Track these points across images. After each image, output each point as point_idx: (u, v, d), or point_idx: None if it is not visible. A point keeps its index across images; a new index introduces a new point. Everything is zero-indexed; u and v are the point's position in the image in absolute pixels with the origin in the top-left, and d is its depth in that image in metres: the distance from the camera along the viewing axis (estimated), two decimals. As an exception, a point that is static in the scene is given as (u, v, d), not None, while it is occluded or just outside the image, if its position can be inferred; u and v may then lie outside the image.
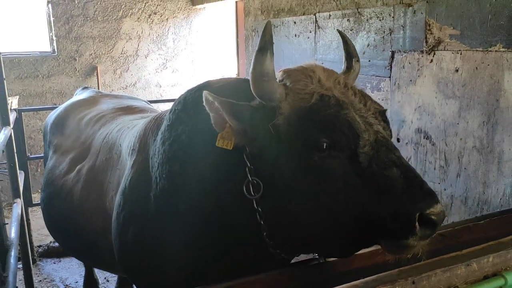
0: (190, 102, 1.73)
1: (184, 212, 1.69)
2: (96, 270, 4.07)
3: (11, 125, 3.56)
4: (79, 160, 2.56)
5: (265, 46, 1.41)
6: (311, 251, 1.65)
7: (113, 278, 4.27)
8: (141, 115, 2.70)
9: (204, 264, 1.73)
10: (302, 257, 1.75)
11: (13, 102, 4.38)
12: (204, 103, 1.47)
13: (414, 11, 2.86)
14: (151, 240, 1.80)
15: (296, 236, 1.51)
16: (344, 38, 1.80)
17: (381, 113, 1.50)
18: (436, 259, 1.22)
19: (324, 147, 1.35)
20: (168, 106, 2.18)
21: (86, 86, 4.07)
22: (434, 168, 2.89)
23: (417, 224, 1.24)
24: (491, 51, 2.40)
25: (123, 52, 7.12)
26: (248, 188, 1.48)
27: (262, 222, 1.50)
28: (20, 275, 4.02)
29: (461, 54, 2.58)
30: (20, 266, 4.00)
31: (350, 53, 1.77)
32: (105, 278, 4.37)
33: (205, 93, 1.46)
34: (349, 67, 1.76)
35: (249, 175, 1.47)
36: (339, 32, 1.87)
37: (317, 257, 1.61)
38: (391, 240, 1.32)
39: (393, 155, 1.37)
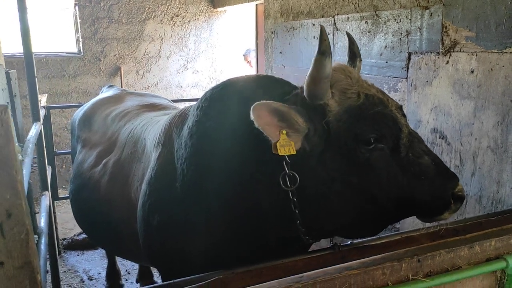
0: (216, 99, 1.84)
1: (210, 202, 1.79)
2: (118, 262, 4.22)
3: (41, 121, 3.73)
4: (106, 154, 2.70)
5: (326, 50, 1.48)
6: (342, 234, 1.77)
7: (135, 270, 4.41)
8: (164, 112, 2.84)
9: (227, 251, 1.82)
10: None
11: (42, 100, 4.57)
12: (252, 117, 1.50)
13: (431, 13, 2.92)
14: (176, 227, 1.90)
15: (332, 222, 1.64)
16: (351, 39, 1.92)
17: (400, 108, 1.67)
18: (441, 242, 1.30)
19: (372, 141, 1.51)
20: (188, 105, 2.31)
21: (111, 84, 4.23)
22: (450, 168, 2.93)
23: (451, 200, 1.48)
24: (505, 52, 2.45)
25: (146, 53, 7.31)
26: (285, 180, 1.58)
27: (297, 211, 1.60)
28: (47, 265, 4.20)
29: (476, 55, 2.63)
30: (47, 257, 4.17)
31: (355, 53, 1.89)
32: (126, 270, 4.52)
33: (259, 103, 1.50)
34: (354, 66, 1.87)
35: (286, 169, 1.57)
36: (347, 33, 1.97)
37: (331, 245, 1.69)
38: (429, 217, 1.55)
39: (423, 145, 1.58)
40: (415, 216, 1.65)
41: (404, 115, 1.67)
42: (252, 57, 7.26)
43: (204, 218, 1.82)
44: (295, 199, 1.59)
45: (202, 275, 1.55)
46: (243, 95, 1.62)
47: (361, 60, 1.89)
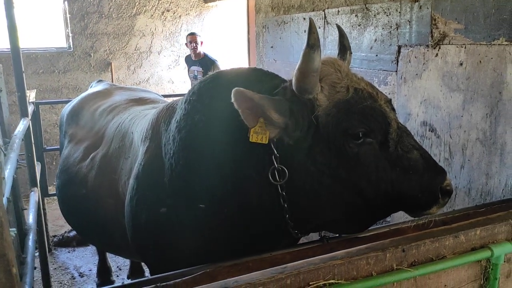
0: (205, 92, 1.82)
1: (200, 196, 1.78)
2: (109, 259, 4.20)
3: (29, 117, 3.69)
4: (93, 148, 2.67)
5: (315, 43, 1.47)
6: (330, 229, 1.77)
7: (126, 266, 4.39)
8: (152, 106, 2.82)
9: (217, 245, 1.81)
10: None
11: (31, 95, 4.52)
12: (233, 100, 1.52)
13: (420, 6, 2.92)
14: (165, 221, 1.88)
15: (321, 216, 1.65)
16: (341, 32, 1.91)
17: (390, 102, 1.67)
18: (426, 231, 1.30)
19: (360, 135, 1.51)
20: (177, 99, 2.28)
21: (100, 79, 4.20)
22: (439, 161, 2.93)
23: (439, 195, 1.49)
24: (494, 44, 2.45)
25: (136, 49, 7.26)
26: (274, 175, 1.58)
27: (285, 206, 1.61)
28: (36, 263, 4.17)
29: (465, 48, 2.63)
30: (37, 254, 4.14)
31: (345, 46, 1.88)
32: (117, 266, 4.50)
33: (236, 90, 1.52)
34: (344, 59, 1.85)
35: (275, 163, 1.57)
36: (338, 26, 1.97)
37: (319, 237, 1.69)
38: (418, 211, 1.54)
39: (412, 139, 1.59)
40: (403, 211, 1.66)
41: (393, 109, 1.67)
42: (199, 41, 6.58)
43: (193, 213, 1.81)
44: (284, 193, 1.60)
45: (190, 269, 1.55)
46: (232, 88, 1.60)
47: (351, 53, 1.89)
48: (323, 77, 1.58)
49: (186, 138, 1.79)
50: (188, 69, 6.95)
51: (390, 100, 1.69)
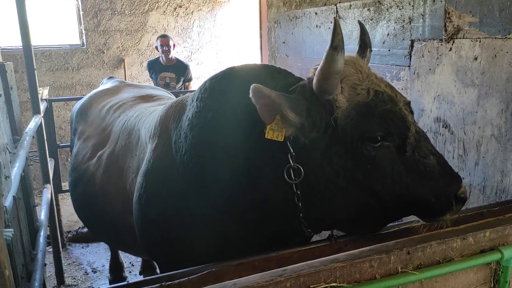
0: (217, 89, 1.80)
1: (213, 193, 1.77)
2: (121, 255, 4.23)
3: (42, 114, 3.72)
4: (100, 146, 2.68)
5: (339, 44, 1.45)
6: (342, 229, 1.76)
7: (138, 262, 4.42)
8: (158, 103, 2.81)
9: (228, 243, 1.81)
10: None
11: (44, 92, 4.56)
12: (251, 95, 1.50)
13: (434, -1, 2.84)
14: (175, 219, 1.88)
15: (334, 216, 1.64)
16: (363, 28, 1.88)
17: (408, 104, 1.65)
18: (433, 233, 1.26)
19: (378, 139, 1.50)
20: (184, 95, 2.27)
21: (111, 76, 4.21)
22: (453, 157, 2.87)
23: (454, 202, 1.48)
24: (510, 38, 2.37)
25: (149, 45, 7.28)
26: (289, 173, 1.57)
27: (300, 204, 1.60)
28: (50, 258, 4.22)
29: (480, 42, 2.55)
30: (50, 250, 4.20)
31: (366, 43, 1.85)
32: (130, 262, 4.53)
33: (255, 86, 1.50)
34: (363, 56, 1.83)
35: (291, 161, 1.56)
36: (359, 22, 1.93)
37: (327, 237, 1.67)
38: (431, 217, 1.52)
39: (429, 144, 1.57)
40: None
41: (411, 112, 1.65)
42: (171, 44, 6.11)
43: (205, 210, 1.81)
44: (298, 192, 1.59)
45: (196, 268, 1.54)
46: (245, 85, 1.57)
47: (371, 50, 1.86)
48: (344, 78, 1.56)
49: (199, 135, 1.78)
50: (157, 76, 6.22)
51: (409, 102, 1.67)
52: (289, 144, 1.56)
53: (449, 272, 1.21)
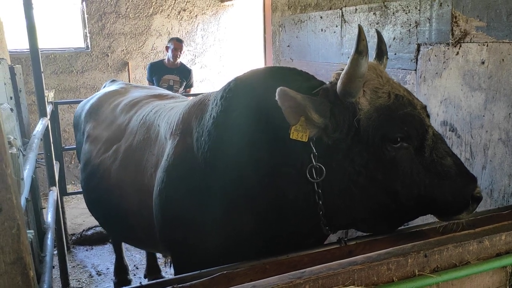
0: (242, 89, 1.87)
1: (235, 190, 1.82)
2: (126, 258, 4.23)
3: (48, 117, 3.73)
4: (116, 141, 2.70)
5: (363, 50, 1.52)
6: (360, 228, 1.81)
7: (142, 265, 4.42)
8: (175, 100, 2.88)
9: (247, 242, 1.84)
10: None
11: (49, 95, 4.57)
12: (277, 97, 1.57)
13: (441, 3, 2.86)
14: (196, 214, 1.90)
15: (353, 215, 1.69)
16: (380, 37, 1.94)
17: (425, 108, 1.73)
18: (449, 236, 1.26)
19: (398, 140, 1.57)
20: (206, 93, 2.30)
21: (114, 79, 4.24)
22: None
23: (470, 201, 1.54)
24: (517, 42, 2.38)
25: (153, 48, 7.30)
26: (311, 172, 1.63)
27: (320, 203, 1.66)
28: (55, 261, 4.22)
29: (487, 46, 2.56)
30: (55, 252, 4.19)
31: (383, 50, 1.91)
32: (134, 265, 4.53)
33: (281, 89, 1.58)
34: (380, 63, 1.88)
35: (314, 161, 1.62)
36: (377, 31, 1.99)
37: (337, 240, 1.67)
38: (448, 216, 1.58)
39: (446, 146, 1.64)
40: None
41: (428, 116, 1.71)
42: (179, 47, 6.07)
43: (227, 207, 1.84)
44: (320, 191, 1.65)
45: (208, 270, 1.55)
46: (270, 86, 1.64)
47: (387, 58, 1.92)
48: (366, 82, 1.63)
49: (223, 134, 1.84)
50: (159, 78, 6.13)
51: (425, 106, 1.74)
52: (312, 145, 1.62)
53: (466, 275, 1.21)
